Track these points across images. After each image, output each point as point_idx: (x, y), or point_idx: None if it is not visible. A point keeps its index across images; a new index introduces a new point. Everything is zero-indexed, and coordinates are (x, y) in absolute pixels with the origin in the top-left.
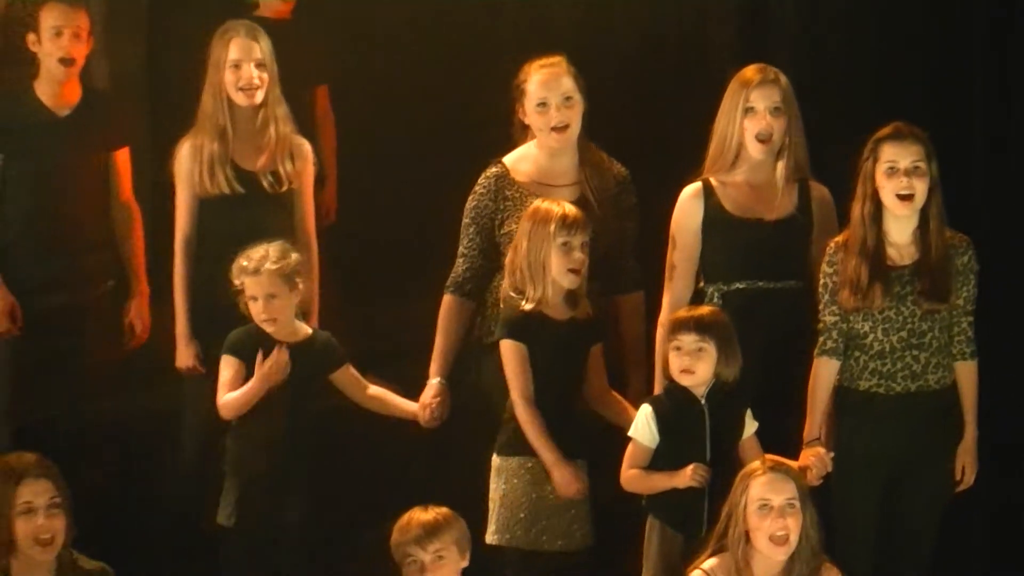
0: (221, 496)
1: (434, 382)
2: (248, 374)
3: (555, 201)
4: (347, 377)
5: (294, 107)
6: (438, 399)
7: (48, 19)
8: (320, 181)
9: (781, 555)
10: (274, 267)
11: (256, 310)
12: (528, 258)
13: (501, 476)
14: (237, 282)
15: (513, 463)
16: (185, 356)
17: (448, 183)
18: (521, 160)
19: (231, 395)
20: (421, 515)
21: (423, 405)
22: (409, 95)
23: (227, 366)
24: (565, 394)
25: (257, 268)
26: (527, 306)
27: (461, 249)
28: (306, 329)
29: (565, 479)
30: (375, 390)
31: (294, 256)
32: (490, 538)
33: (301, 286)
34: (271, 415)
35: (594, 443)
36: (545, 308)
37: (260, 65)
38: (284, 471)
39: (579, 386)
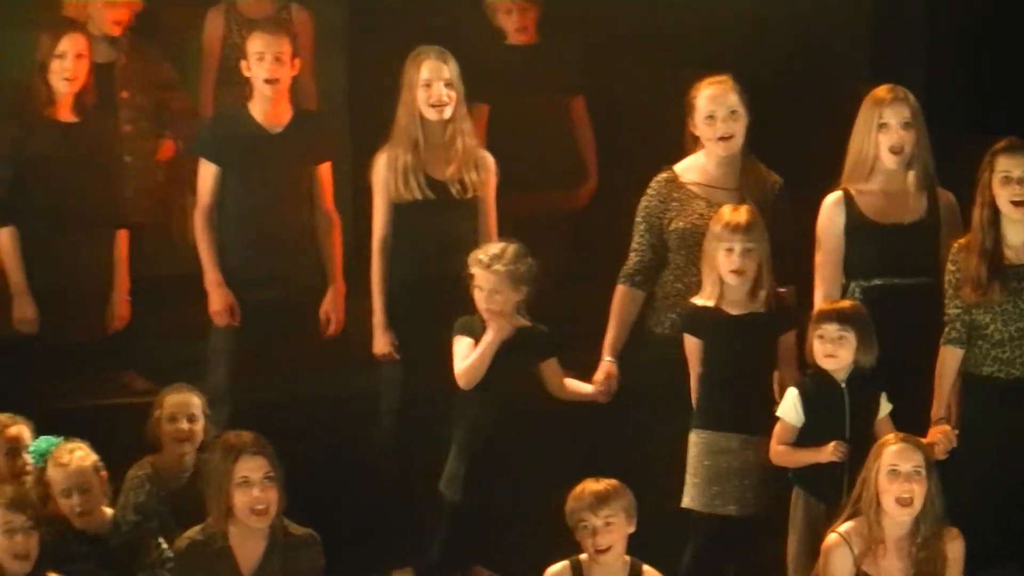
0: (445, 467)
1: (607, 360)
2: None
3: (736, 207)
4: (551, 368)
5: (552, 116)
6: (606, 377)
7: (254, 45)
8: (581, 179)
9: (906, 516)
10: (503, 268)
11: (479, 299)
12: (704, 257)
13: (689, 447)
14: (471, 270)
15: (692, 435)
16: (382, 343)
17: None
18: (690, 167)
19: (466, 361)
20: (593, 485)
21: (596, 381)
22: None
23: (460, 344)
24: (749, 379)
25: (489, 264)
26: (700, 301)
27: (633, 244)
28: (524, 321)
29: None
30: (568, 382)
31: (528, 261)
32: (683, 502)
33: (526, 289)
34: (491, 396)
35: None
36: (721, 303)
37: (448, 84)
38: (501, 447)
39: (764, 371)
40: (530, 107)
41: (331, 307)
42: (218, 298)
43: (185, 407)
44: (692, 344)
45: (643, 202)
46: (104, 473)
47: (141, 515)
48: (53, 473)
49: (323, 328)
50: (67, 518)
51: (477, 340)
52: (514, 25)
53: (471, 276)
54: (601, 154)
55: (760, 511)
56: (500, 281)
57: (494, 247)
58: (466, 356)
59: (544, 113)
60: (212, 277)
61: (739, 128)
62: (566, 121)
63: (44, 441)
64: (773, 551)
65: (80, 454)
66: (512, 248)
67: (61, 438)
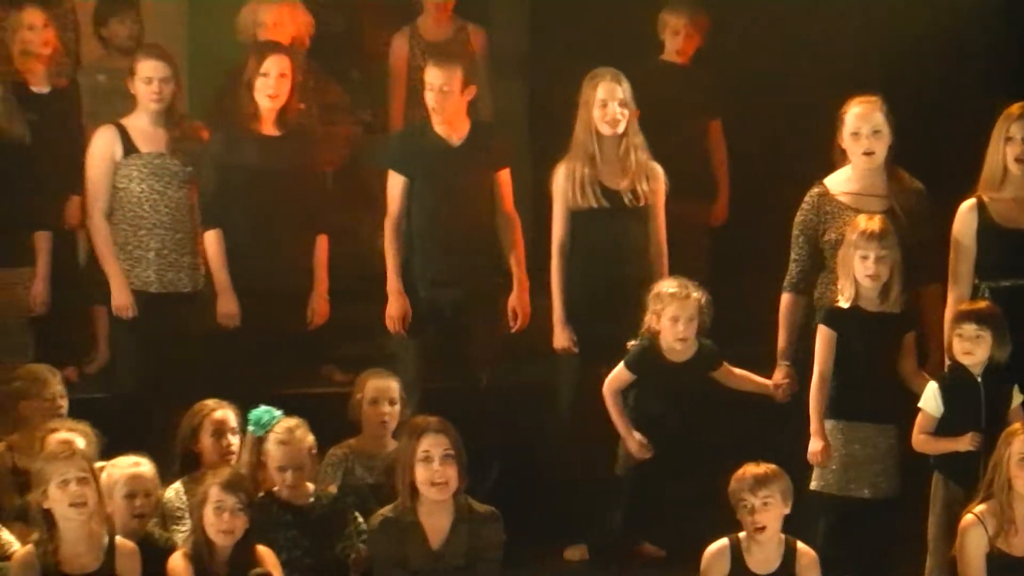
0: (619, 450)
1: (782, 366)
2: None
3: (871, 217)
4: (722, 373)
5: (691, 135)
6: (787, 380)
7: (429, 76)
8: (712, 195)
9: None
10: (696, 297)
11: (670, 328)
12: (843, 262)
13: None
14: (657, 304)
15: (829, 424)
16: (562, 339)
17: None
18: (839, 180)
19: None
20: (754, 468)
21: (775, 384)
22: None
23: (623, 373)
24: (880, 372)
25: (685, 295)
26: (840, 301)
27: (792, 256)
28: (695, 347)
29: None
30: (740, 374)
31: (705, 297)
32: (812, 484)
33: (704, 320)
34: (662, 397)
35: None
36: (859, 302)
37: (622, 104)
38: (672, 436)
39: (892, 366)
40: (672, 123)
41: (518, 302)
42: (396, 306)
43: (386, 391)
44: (826, 337)
45: (799, 216)
46: (315, 452)
47: (341, 491)
48: (273, 449)
49: (511, 322)
50: (275, 488)
51: (642, 374)
52: (676, 46)
53: (656, 311)
54: (737, 175)
55: (891, 494)
56: (692, 306)
57: (673, 283)
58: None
59: (685, 130)
60: (393, 284)
61: (881, 146)
62: (704, 140)
63: (266, 413)
64: (913, 530)
65: (300, 434)
66: (690, 281)
67: (280, 412)
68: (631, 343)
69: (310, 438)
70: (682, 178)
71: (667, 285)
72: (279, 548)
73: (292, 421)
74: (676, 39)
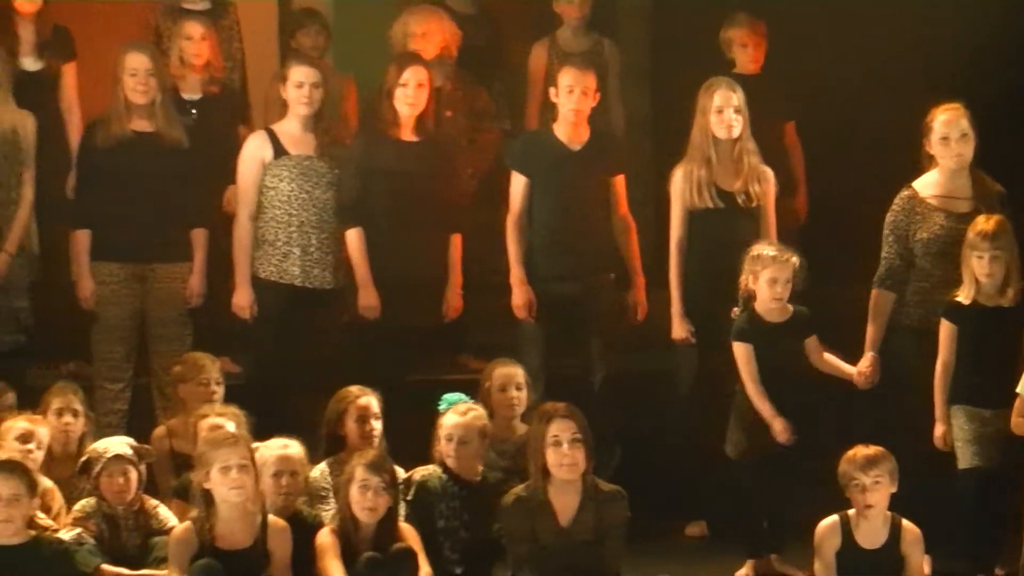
0: (727, 434)
1: (868, 355)
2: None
3: (988, 218)
4: (812, 344)
5: (768, 138)
6: (871, 368)
7: (564, 79)
8: (792, 192)
9: None
10: (793, 258)
11: (767, 290)
12: (963, 260)
13: (951, 417)
14: (756, 266)
15: (953, 409)
16: (680, 330)
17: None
18: (927, 183)
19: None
20: (864, 450)
21: (860, 372)
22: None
23: (740, 349)
24: (997, 361)
25: (784, 258)
26: (960, 297)
27: (883, 253)
28: (790, 309)
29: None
30: (828, 356)
31: (800, 261)
32: (962, 464)
33: (797, 283)
34: (773, 373)
35: None
36: (978, 298)
37: (737, 111)
38: (783, 414)
39: (1009, 355)
40: (754, 130)
41: (635, 298)
42: (520, 295)
43: (512, 377)
44: (947, 330)
45: (889, 216)
46: (486, 438)
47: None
48: (446, 419)
49: (631, 315)
50: (446, 459)
51: (749, 340)
52: (746, 57)
53: (754, 272)
54: (819, 173)
55: (1008, 468)
56: (788, 269)
57: (771, 246)
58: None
59: (765, 135)
60: (517, 276)
61: (969, 149)
62: (780, 142)
63: (456, 396)
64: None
65: (474, 414)
66: (785, 246)
67: (468, 399)
68: (734, 310)
69: (483, 422)
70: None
71: (766, 248)
72: (439, 516)
73: (470, 404)
74: (745, 51)
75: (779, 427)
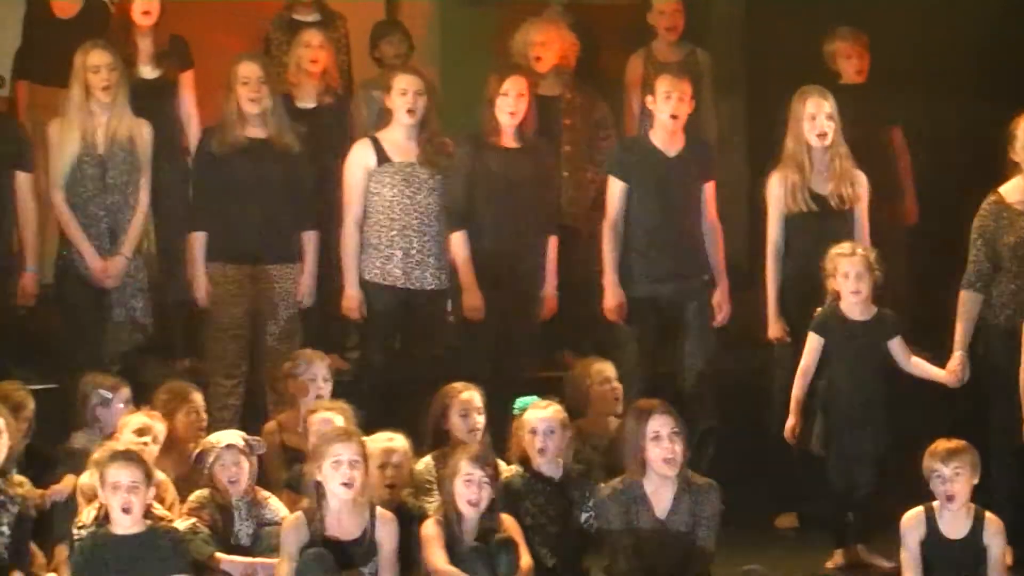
0: (813, 427)
1: (957, 354)
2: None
3: None
4: (897, 346)
5: (876, 144)
6: (960, 367)
7: (662, 85)
8: (900, 196)
9: None
10: (864, 253)
11: (845, 285)
12: None
13: None
14: (833, 263)
15: None
16: (775, 329)
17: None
18: (1013, 188)
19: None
20: (946, 443)
21: (949, 371)
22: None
23: (812, 339)
24: None
25: (852, 252)
26: None
27: (971, 256)
28: (874, 309)
29: None
30: (915, 359)
31: (873, 254)
32: None
33: (877, 275)
34: (853, 370)
35: None
36: None
37: (829, 117)
38: (864, 411)
39: None
40: (862, 137)
41: (721, 299)
42: (611, 297)
43: (609, 370)
44: None
45: (976, 221)
46: (568, 433)
47: (581, 464)
48: (529, 416)
49: (715, 316)
50: (530, 457)
51: (826, 334)
52: (851, 68)
53: (833, 269)
54: (924, 177)
55: None
56: (859, 262)
57: (845, 244)
58: (810, 354)
59: (873, 142)
60: (609, 279)
61: None
62: (888, 148)
63: (528, 399)
64: None
65: (554, 409)
66: (862, 244)
67: (536, 398)
68: (817, 310)
69: (564, 415)
70: (875, 185)
71: (836, 248)
72: (525, 514)
73: (548, 401)
74: (849, 62)
75: (789, 425)
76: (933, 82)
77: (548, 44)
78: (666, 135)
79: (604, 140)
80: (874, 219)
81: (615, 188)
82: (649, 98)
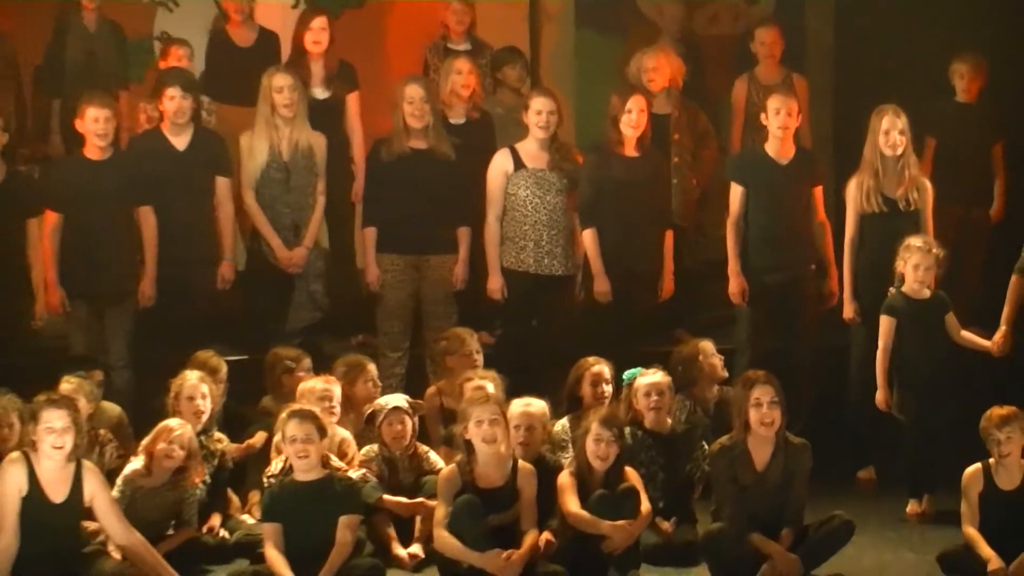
0: (894, 396)
1: (1002, 328)
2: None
3: None
4: (951, 321)
5: (979, 159)
6: (1003, 340)
7: (772, 104)
8: (989, 202)
9: None
10: (935, 250)
11: (912, 272)
12: None
13: None
14: (906, 254)
15: None
16: (849, 311)
17: None
18: None
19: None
20: (999, 410)
21: (994, 343)
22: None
23: (884, 321)
24: None
25: (925, 247)
26: None
27: None
28: (930, 291)
29: None
30: (965, 333)
31: (942, 253)
32: None
33: (939, 271)
34: (920, 342)
35: None
36: None
37: (901, 132)
38: (932, 378)
39: None
40: (966, 150)
41: (830, 287)
42: (735, 283)
43: (714, 350)
44: None
45: None
46: (673, 393)
47: (688, 424)
48: (641, 381)
49: (826, 301)
50: (641, 418)
51: (895, 316)
52: (963, 87)
53: (907, 257)
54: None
55: None
56: (931, 259)
57: (919, 239)
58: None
59: (976, 154)
60: (733, 268)
61: None
62: (989, 161)
63: (635, 370)
64: None
65: (662, 374)
66: (933, 240)
67: (641, 368)
68: (891, 290)
69: (669, 380)
70: (969, 189)
71: (916, 240)
72: (641, 464)
73: (654, 369)
74: (963, 82)
75: (881, 396)
76: None
77: (659, 69)
78: (778, 145)
79: (706, 150)
80: (963, 218)
81: (735, 192)
82: (762, 115)
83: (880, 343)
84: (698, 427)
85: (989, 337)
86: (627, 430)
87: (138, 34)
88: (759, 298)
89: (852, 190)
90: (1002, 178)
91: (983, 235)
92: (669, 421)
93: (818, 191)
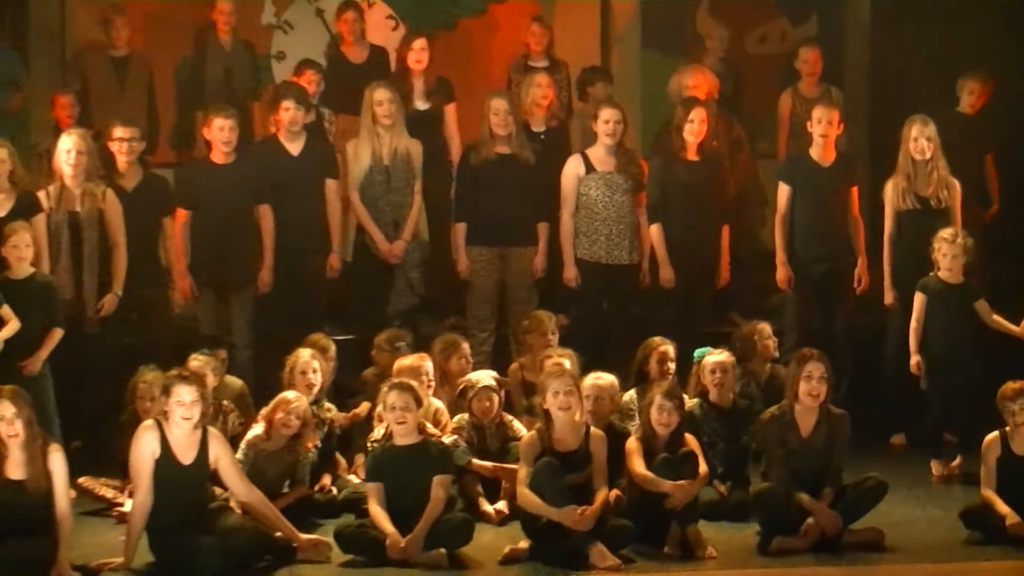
0: (922, 370)
1: None
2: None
3: None
4: (982, 307)
5: (974, 165)
6: None
7: (816, 114)
8: (987, 204)
9: None
10: (963, 241)
11: (944, 262)
12: None
13: None
14: (938, 244)
15: None
16: (890, 297)
17: None
18: None
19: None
20: (1013, 384)
21: (1023, 328)
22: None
23: (918, 299)
24: None
25: (954, 238)
26: None
27: None
28: (962, 277)
29: None
30: (996, 317)
31: (970, 242)
32: None
33: (970, 255)
34: (945, 321)
35: None
36: None
37: (929, 139)
38: (954, 354)
39: None
40: (963, 156)
41: (861, 273)
42: (783, 272)
43: (769, 332)
44: None
45: None
46: (736, 371)
47: (745, 398)
48: (708, 360)
49: (857, 286)
50: (707, 392)
51: (927, 295)
52: (968, 102)
53: (940, 246)
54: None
55: None
56: (958, 248)
57: (950, 231)
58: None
59: (970, 161)
60: (780, 258)
61: None
62: (981, 169)
63: (704, 349)
64: None
65: (727, 354)
66: (962, 231)
67: (711, 348)
68: (930, 274)
69: (733, 360)
70: (968, 192)
71: (947, 232)
72: (704, 434)
73: (720, 350)
74: (970, 97)
75: (914, 361)
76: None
77: (697, 86)
78: (821, 150)
79: (740, 155)
80: (966, 217)
81: (783, 191)
82: (808, 123)
83: (913, 316)
84: (756, 402)
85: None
86: (696, 402)
87: (258, 52)
88: (804, 285)
89: (889, 191)
90: (995, 186)
91: (977, 231)
92: (731, 396)
93: (854, 191)
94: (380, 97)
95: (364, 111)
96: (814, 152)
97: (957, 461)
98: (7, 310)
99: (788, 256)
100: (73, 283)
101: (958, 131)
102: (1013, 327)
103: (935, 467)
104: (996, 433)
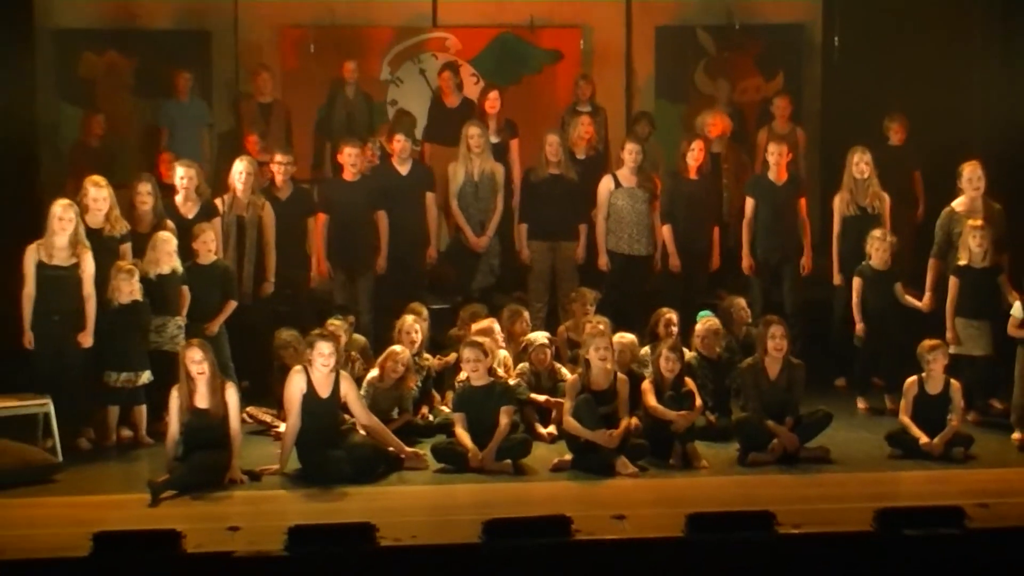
0: (855, 331)
1: (928, 294)
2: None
3: None
4: (899, 287)
5: (905, 181)
6: (929, 302)
7: (771, 147)
8: (915, 207)
9: None
10: (889, 239)
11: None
12: None
13: None
14: (872, 241)
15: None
16: (838, 279)
17: None
18: (959, 203)
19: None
20: (929, 342)
21: (924, 303)
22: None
23: (855, 282)
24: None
25: (883, 237)
26: None
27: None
28: (889, 264)
29: None
30: (907, 296)
31: (892, 239)
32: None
33: (894, 249)
34: (877, 298)
35: None
36: None
37: (867, 163)
38: (882, 322)
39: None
40: (893, 174)
41: (806, 261)
42: (746, 260)
43: (743, 304)
44: None
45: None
46: (721, 333)
47: (728, 352)
48: (699, 326)
49: (803, 271)
50: (699, 348)
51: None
52: (895, 136)
53: (872, 243)
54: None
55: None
56: (886, 244)
57: (879, 231)
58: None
59: (901, 178)
60: (746, 250)
61: None
62: (911, 183)
63: (706, 312)
64: None
65: (712, 321)
66: (889, 232)
67: (711, 313)
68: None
69: (719, 324)
70: (902, 201)
71: (877, 232)
72: (698, 378)
73: (712, 315)
74: (895, 133)
75: (859, 328)
76: (939, 143)
77: (715, 124)
78: (775, 172)
79: (744, 175)
80: (899, 220)
81: (749, 203)
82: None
83: (854, 294)
84: (736, 355)
85: (920, 299)
86: (693, 355)
87: (376, 100)
88: (763, 270)
89: (837, 202)
90: (921, 193)
91: (913, 230)
92: (718, 351)
93: (803, 202)
94: (472, 132)
95: (462, 142)
96: (771, 174)
97: (890, 398)
98: (185, 290)
99: (751, 250)
100: (235, 270)
101: (888, 157)
102: (917, 303)
103: (860, 402)
104: (915, 377)
